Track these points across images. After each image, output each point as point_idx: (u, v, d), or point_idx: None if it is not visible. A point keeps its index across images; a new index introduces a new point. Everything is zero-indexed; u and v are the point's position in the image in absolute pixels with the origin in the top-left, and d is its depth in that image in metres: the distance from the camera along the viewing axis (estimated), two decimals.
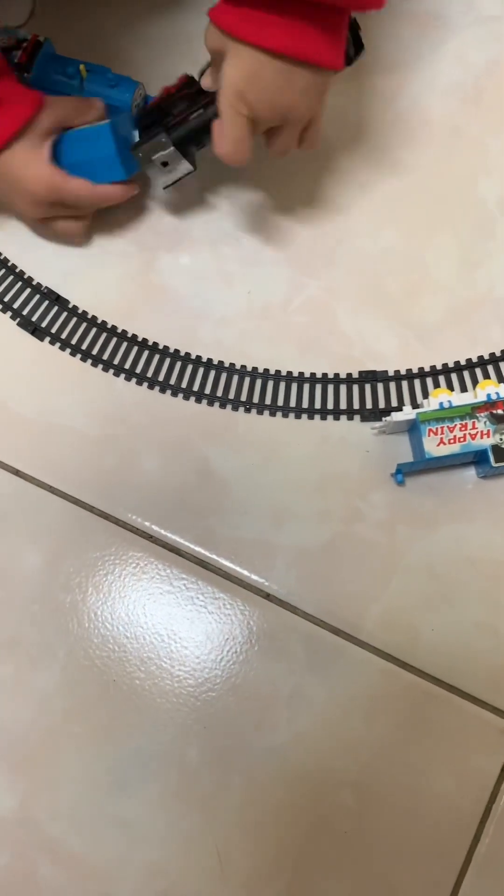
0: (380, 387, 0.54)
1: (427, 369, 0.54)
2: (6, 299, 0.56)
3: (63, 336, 0.56)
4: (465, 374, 0.53)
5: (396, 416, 0.49)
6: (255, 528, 0.52)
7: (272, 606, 0.51)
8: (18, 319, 0.56)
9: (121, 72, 0.56)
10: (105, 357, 0.55)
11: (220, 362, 0.55)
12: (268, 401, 0.54)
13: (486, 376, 0.54)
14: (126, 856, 0.47)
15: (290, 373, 0.55)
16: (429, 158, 0.59)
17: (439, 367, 0.54)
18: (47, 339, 0.56)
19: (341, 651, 0.50)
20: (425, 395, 0.53)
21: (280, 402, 0.54)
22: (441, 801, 0.48)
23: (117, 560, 0.52)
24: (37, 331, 0.56)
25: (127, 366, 0.55)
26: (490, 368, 0.54)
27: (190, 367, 0.55)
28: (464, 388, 0.53)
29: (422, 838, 0.47)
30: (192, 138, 0.51)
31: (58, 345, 0.55)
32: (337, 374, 0.54)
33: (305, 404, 0.54)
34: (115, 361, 0.55)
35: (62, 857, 0.48)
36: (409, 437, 0.52)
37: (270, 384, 0.54)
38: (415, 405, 0.52)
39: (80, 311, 0.56)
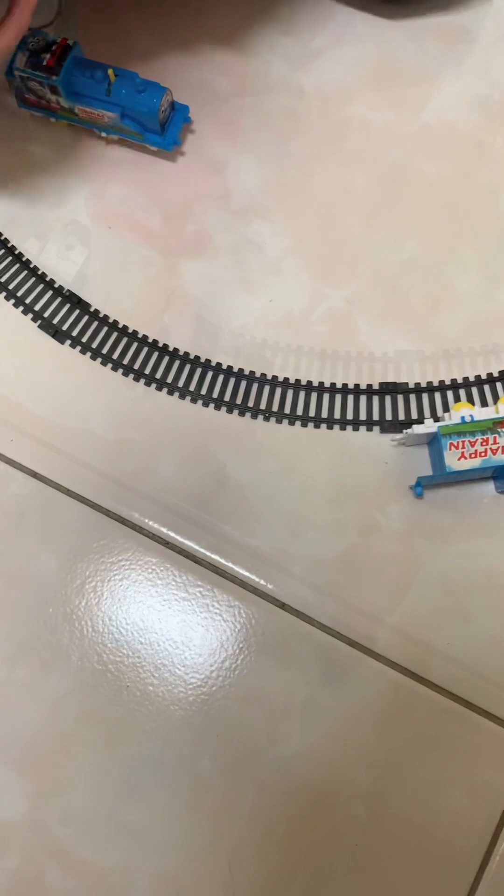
0: (400, 399, 0.54)
1: (448, 382, 0.54)
2: (28, 301, 0.56)
3: (84, 339, 0.56)
4: (486, 388, 0.53)
5: (418, 429, 0.49)
6: (271, 537, 0.52)
7: (287, 616, 0.50)
8: (39, 322, 0.56)
9: (148, 77, 0.56)
10: (125, 361, 0.55)
11: (240, 370, 0.55)
12: (287, 409, 0.54)
13: None
14: (135, 863, 0.47)
15: (309, 382, 0.54)
16: (452, 171, 0.59)
17: (460, 380, 0.54)
18: (68, 342, 0.56)
19: (356, 662, 0.50)
20: (445, 408, 0.53)
21: (299, 412, 0.54)
22: (453, 817, 0.47)
23: (133, 565, 0.52)
24: (58, 333, 0.56)
25: (147, 371, 0.55)
26: None
27: (210, 374, 0.55)
28: (484, 403, 0.53)
29: (433, 853, 0.47)
30: None
31: (78, 348, 0.55)
32: (357, 385, 0.54)
33: (325, 414, 0.54)
34: (135, 366, 0.55)
35: (71, 863, 0.47)
36: (428, 449, 0.52)
37: (290, 393, 0.54)
38: (435, 418, 0.52)
39: (101, 315, 0.56)
